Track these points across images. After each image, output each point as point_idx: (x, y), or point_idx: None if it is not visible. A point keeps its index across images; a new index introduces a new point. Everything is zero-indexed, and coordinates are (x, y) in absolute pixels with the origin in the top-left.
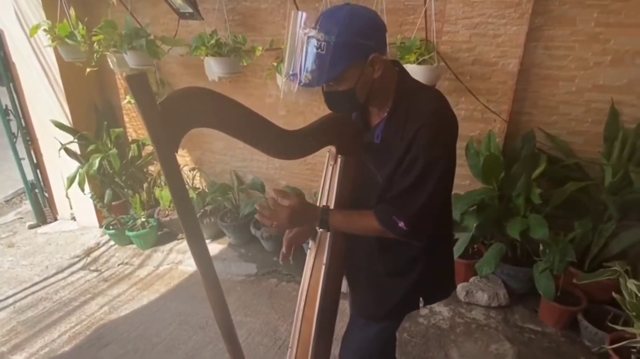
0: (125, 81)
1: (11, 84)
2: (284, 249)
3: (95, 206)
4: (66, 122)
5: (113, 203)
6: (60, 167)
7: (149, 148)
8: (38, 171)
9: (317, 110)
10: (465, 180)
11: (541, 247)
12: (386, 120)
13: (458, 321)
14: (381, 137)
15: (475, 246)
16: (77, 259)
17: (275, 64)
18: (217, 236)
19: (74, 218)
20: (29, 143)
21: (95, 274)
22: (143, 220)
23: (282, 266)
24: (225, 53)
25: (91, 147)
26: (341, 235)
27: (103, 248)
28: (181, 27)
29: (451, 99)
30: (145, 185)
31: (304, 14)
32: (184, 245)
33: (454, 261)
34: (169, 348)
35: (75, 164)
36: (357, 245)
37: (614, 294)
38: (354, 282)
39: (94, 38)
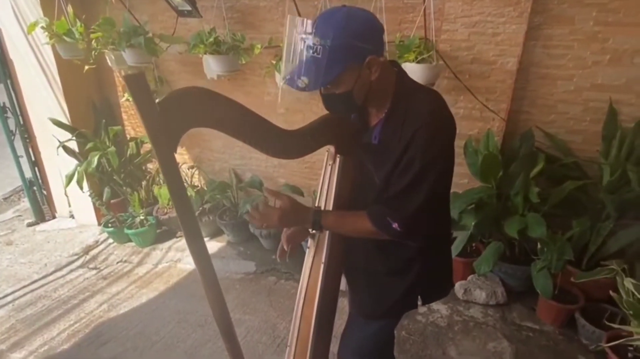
0: (124, 81)
1: (9, 82)
2: (281, 246)
3: (93, 204)
4: (64, 120)
5: (112, 201)
6: (58, 164)
7: (148, 146)
8: (36, 169)
9: (316, 108)
10: (463, 179)
11: (539, 246)
12: (384, 121)
13: (456, 319)
14: (379, 138)
15: (474, 244)
16: (75, 257)
17: (274, 62)
18: (215, 234)
19: (72, 216)
20: (27, 140)
21: (94, 272)
22: (142, 217)
23: (281, 264)
24: (224, 51)
25: (89, 145)
26: (340, 234)
27: (102, 246)
28: (180, 24)
29: (450, 98)
30: (143, 183)
31: (300, 19)
32: (182, 243)
33: (452, 260)
34: (168, 345)
35: (73, 162)
36: (355, 244)
37: (611, 292)
38: (353, 281)
39: (92, 35)
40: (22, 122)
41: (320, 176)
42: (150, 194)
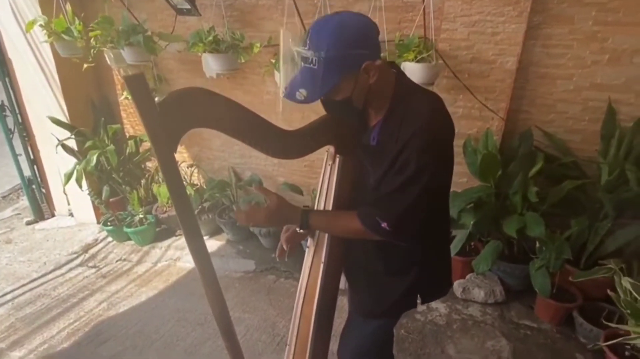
0: (124, 82)
1: (7, 80)
2: (281, 246)
3: (93, 202)
4: (63, 118)
5: (111, 199)
6: (57, 163)
7: (147, 144)
8: (35, 167)
9: (315, 107)
10: (462, 178)
11: (537, 245)
12: (382, 123)
13: (455, 318)
14: (377, 139)
15: (472, 243)
16: (75, 255)
17: (273, 61)
18: (215, 232)
19: (71, 214)
20: (26, 139)
21: (93, 270)
22: (141, 216)
23: (280, 262)
24: (223, 49)
25: (88, 143)
26: (330, 234)
27: (101, 245)
28: (178, 23)
29: (449, 97)
30: (142, 182)
31: (292, 35)
32: (182, 241)
33: (451, 260)
34: (167, 344)
35: (72, 160)
36: (355, 244)
37: (608, 292)
38: (353, 280)
39: (90, 34)
40: (20, 121)
41: (319, 175)
42: (150, 192)
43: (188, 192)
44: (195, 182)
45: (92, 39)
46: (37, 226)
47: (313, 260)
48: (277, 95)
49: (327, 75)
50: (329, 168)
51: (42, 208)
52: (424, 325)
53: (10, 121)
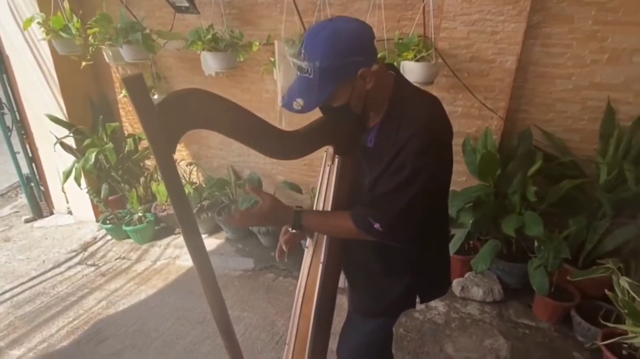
0: (122, 83)
1: (5, 78)
2: (280, 247)
3: (91, 200)
4: (61, 116)
5: (110, 197)
6: (56, 160)
7: (146, 143)
8: (33, 165)
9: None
10: (461, 177)
11: (536, 244)
12: (379, 126)
13: (453, 316)
14: (374, 141)
15: (471, 242)
16: (74, 253)
17: (272, 59)
18: (214, 231)
19: (70, 213)
20: (24, 137)
21: (92, 269)
22: (140, 214)
23: (279, 261)
24: (222, 48)
25: (87, 141)
26: (323, 234)
27: (100, 243)
28: (177, 20)
29: (449, 96)
30: (142, 180)
31: (288, 42)
32: (181, 239)
33: (450, 259)
34: (167, 342)
35: (71, 158)
36: (355, 243)
37: (606, 291)
38: (352, 279)
39: (89, 31)
40: (18, 118)
41: (318, 173)
42: (149, 191)
43: (187, 191)
44: (194, 180)
45: (90, 37)
46: (35, 224)
47: (312, 260)
48: (276, 93)
49: (323, 85)
50: (327, 168)
51: (40, 206)
52: (423, 324)
53: (8, 119)
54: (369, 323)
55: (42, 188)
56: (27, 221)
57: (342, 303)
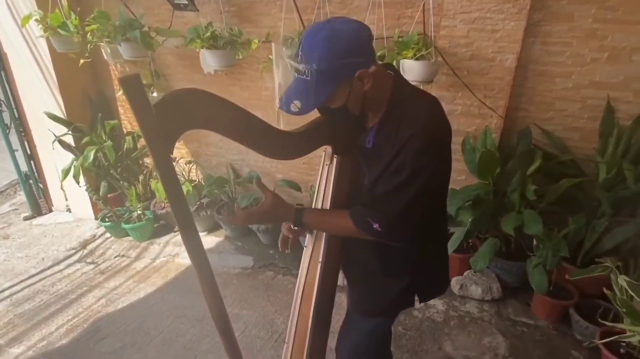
0: (119, 83)
1: (3, 75)
2: (283, 236)
3: (90, 198)
4: (60, 114)
5: (109, 195)
6: (54, 158)
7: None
8: (32, 162)
9: None
10: (461, 175)
11: (535, 242)
12: (378, 126)
13: (452, 315)
14: (373, 142)
15: (470, 240)
16: (73, 251)
17: (271, 57)
18: (213, 229)
19: (69, 210)
20: (23, 134)
21: (91, 266)
22: (139, 212)
23: (279, 259)
24: (221, 45)
25: (86, 139)
26: (323, 232)
27: (99, 241)
28: (176, 17)
29: (448, 94)
30: (141, 177)
31: (285, 43)
32: (180, 237)
33: (449, 258)
34: (166, 341)
35: (69, 155)
36: (354, 243)
37: (605, 290)
38: (351, 278)
39: (87, 28)
40: (17, 116)
41: (317, 172)
42: (148, 188)
43: (186, 189)
44: (193, 178)
45: (89, 34)
46: (34, 222)
47: (311, 259)
48: (275, 91)
49: (320, 86)
50: (326, 168)
51: (39, 203)
52: (422, 322)
53: (6, 116)
54: (368, 322)
55: (40, 185)
56: (26, 219)
57: (341, 301)
